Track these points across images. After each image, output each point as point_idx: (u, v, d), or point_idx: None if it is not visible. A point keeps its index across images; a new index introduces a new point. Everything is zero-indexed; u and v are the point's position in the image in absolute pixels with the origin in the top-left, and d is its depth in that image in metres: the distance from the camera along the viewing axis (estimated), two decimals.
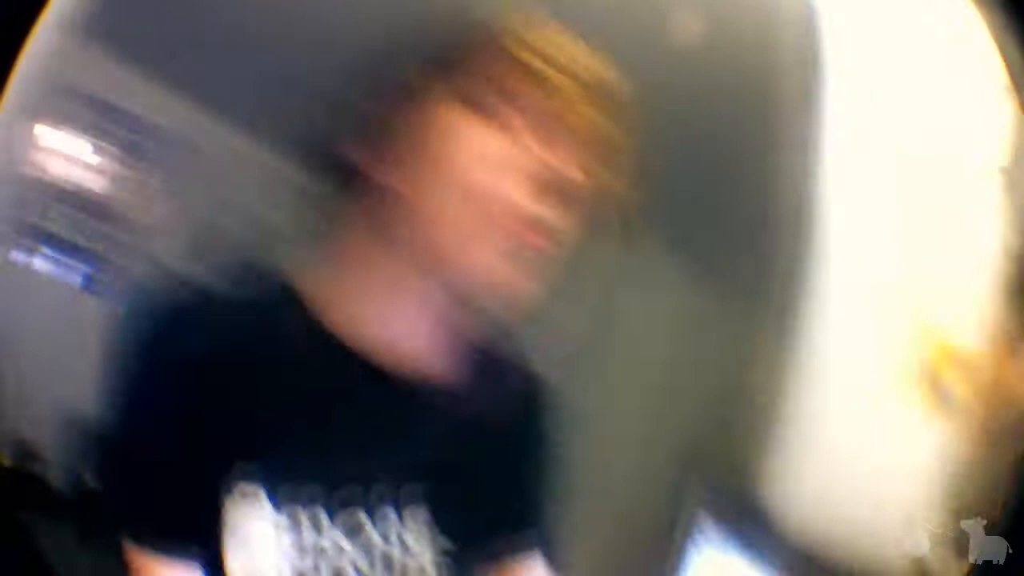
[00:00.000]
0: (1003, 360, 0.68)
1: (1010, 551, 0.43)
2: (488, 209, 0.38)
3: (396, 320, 0.43)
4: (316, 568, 0.41)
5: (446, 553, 0.46)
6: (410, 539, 0.45)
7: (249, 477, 0.40)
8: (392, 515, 0.44)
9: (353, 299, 0.43)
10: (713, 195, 0.82)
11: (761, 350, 0.78)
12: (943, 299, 0.72)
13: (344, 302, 0.43)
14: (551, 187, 0.38)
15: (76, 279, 1.52)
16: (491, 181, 0.38)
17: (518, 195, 0.38)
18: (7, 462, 0.66)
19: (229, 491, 0.39)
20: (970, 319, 0.70)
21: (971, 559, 0.45)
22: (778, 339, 0.76)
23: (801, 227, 0.76)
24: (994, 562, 0.43)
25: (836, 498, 0.73)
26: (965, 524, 0.47)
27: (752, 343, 0.80)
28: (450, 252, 0.39)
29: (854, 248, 0.76)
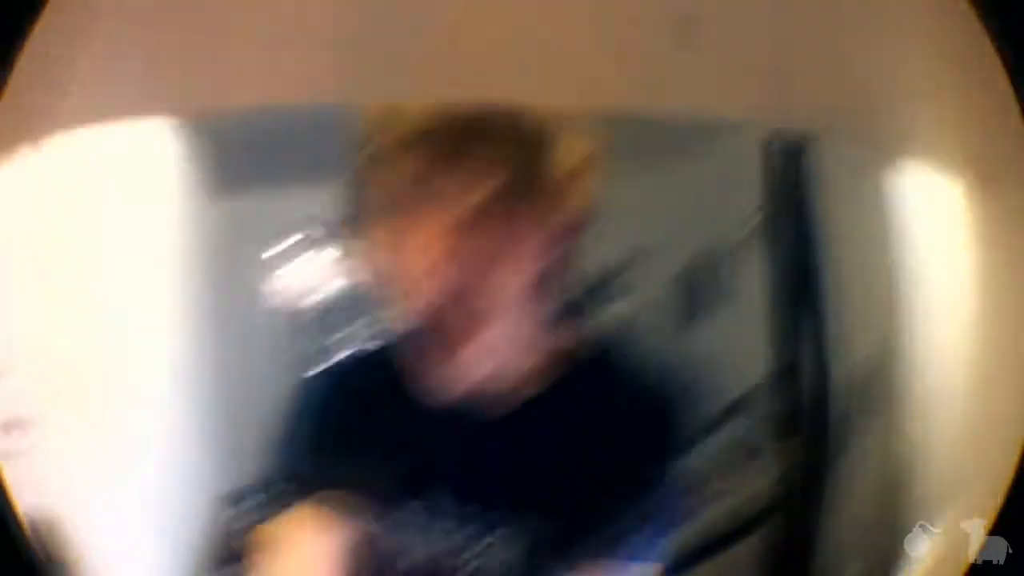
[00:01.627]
0: None
1: (1010, 551, 0.43)
2: None
3: (457, 377, 0.53)
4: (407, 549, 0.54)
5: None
6: (488, 546, 0.53)
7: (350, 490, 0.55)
8: (491, 541, 0.53)
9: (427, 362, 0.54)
10: None
11: None
12: None
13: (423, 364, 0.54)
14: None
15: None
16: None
17: None
18: None
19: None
20: None
21: (971, 559, 0.45)
22: None
23: None
24: (994, 562, 0.43)
25: None
26: (965, 524, 0.47)
27: None
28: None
29: None
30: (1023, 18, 0.44)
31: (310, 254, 2.46)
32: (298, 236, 2.35)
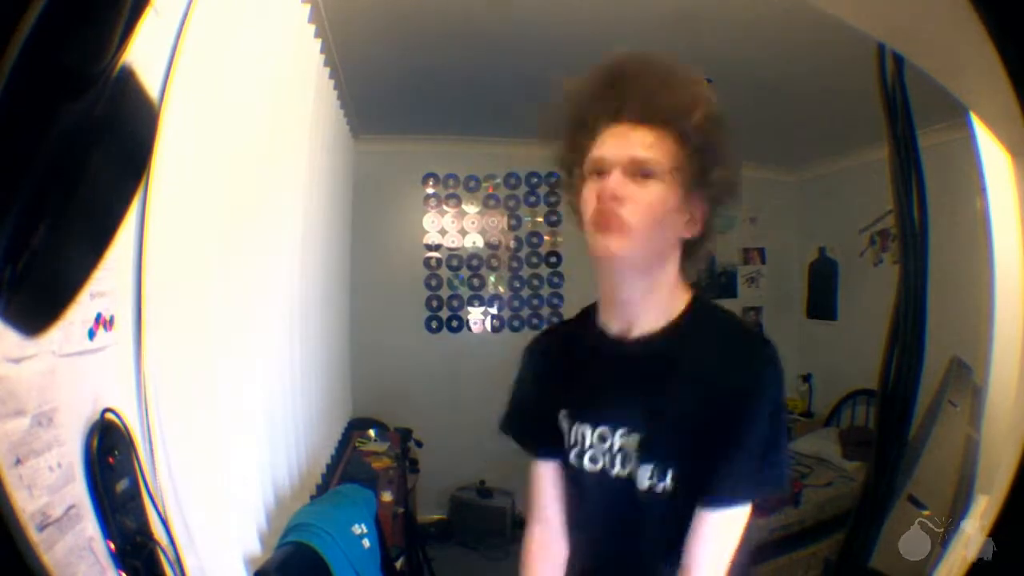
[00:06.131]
0: None
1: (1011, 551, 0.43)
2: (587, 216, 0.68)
3: (615, 318, 0.73)
4: (594, 451, 0.73)
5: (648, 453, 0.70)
6: (627, 445, 0.71)
7: (567, 411, 0.76)
8: (623, 434, 0.71)
9: (602, 309, 0.75)
10: None
11: None
12: None
13: (602, 312, 0.75)
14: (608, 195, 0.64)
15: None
16: (588, 203, 0.67)
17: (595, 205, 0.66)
18: None
19: (561, 418, 0.76)
20: None
21: (971, 559, 0.45)
22: None
23: None
24: (992, 561, 0.43)
25: None
26: (965, 524, 0.46)
27: None
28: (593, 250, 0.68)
29: None
30: (1023, 18, 0.44)
31: (446, 207, 2.55)
32: (435, 189, 2.54)
